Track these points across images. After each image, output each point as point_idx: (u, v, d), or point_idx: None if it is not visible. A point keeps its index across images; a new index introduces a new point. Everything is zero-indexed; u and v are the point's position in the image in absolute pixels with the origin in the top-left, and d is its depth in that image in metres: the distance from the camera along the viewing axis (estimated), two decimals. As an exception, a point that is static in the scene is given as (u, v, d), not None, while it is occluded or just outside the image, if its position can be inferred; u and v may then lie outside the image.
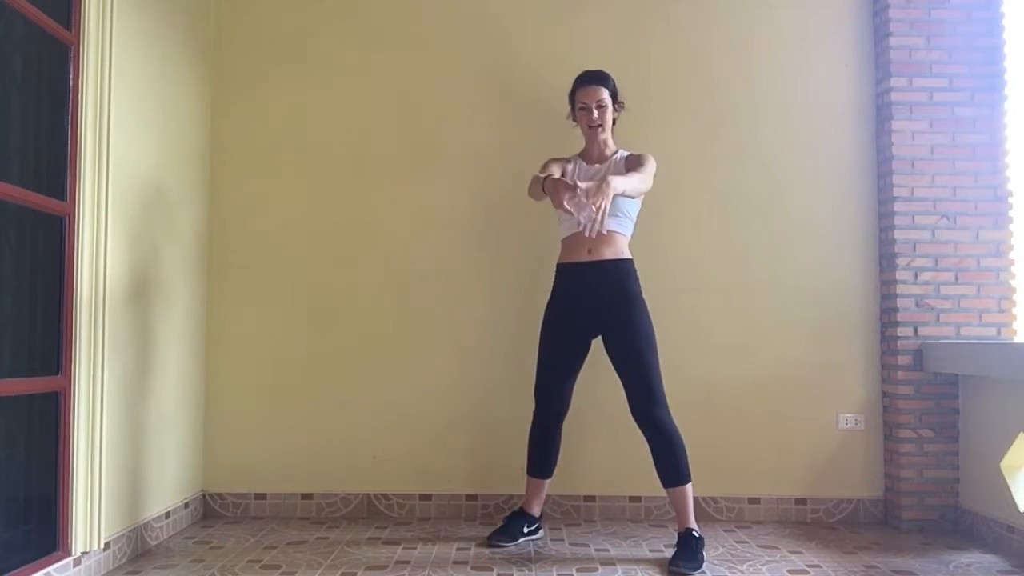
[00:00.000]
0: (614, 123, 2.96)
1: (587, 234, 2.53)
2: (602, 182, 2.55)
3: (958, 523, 3.07)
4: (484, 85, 3.35)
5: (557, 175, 2.83)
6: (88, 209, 2.34)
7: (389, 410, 3.27)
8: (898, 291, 3.15)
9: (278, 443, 3.25)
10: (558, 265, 2.89)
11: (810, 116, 3.32)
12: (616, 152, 2.90)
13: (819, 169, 3.31)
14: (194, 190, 3.18)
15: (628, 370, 2.74)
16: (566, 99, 2.98)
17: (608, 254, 2.76)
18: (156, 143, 2.84)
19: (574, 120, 2.96)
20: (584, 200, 2.49)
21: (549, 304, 2.89)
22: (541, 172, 2.86)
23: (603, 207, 2.51)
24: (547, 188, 2.66)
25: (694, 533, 2.66)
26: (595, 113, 2.85)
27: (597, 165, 2.89)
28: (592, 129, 2.87)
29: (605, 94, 2.85)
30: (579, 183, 2.55)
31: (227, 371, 3.28)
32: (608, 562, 2.64)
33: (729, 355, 3.26)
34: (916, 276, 3.15)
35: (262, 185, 3.32)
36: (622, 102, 2.94)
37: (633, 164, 2.81)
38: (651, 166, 2.80)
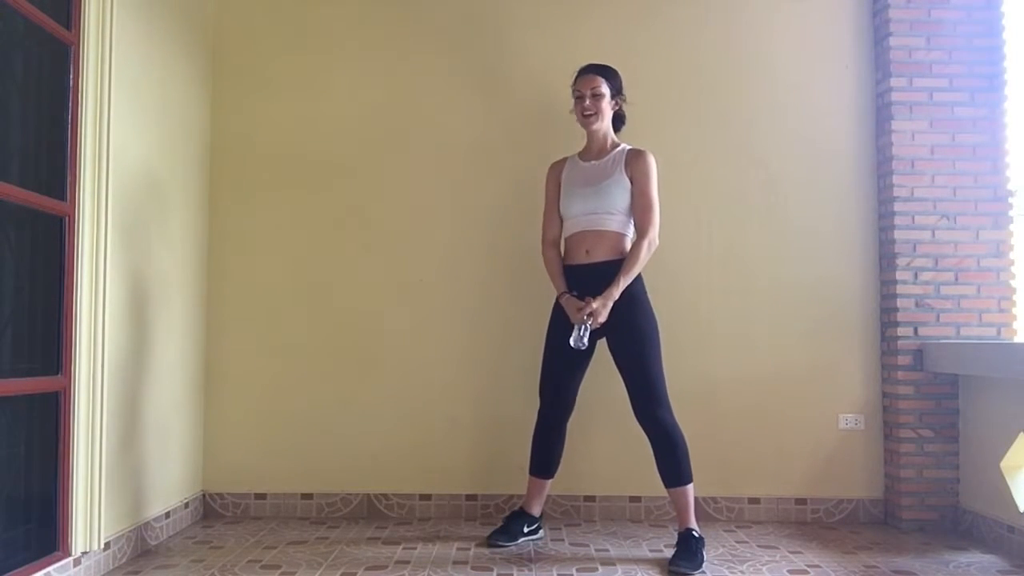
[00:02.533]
0: (623, 120, 2.95)
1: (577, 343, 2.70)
2: (608, 299, 2.68)
3: (958, 523, 3.07)
4: (487, 86, 3.35)
5: (555, 205, 2.91)
6: (88, 209, 2.33)
7: (389, 410, 3.27)
8: (898, 291, 3.15)
9: (278, 443, 3.26)
10: (563, 265, 2.89)
11: (810, 116, 3.32)
12: (618, 147, 2.88)
13: (819, 169, 3.31)
14: (194, 189, 3.18)
15: (630, 371, 2.74)
16: (566, 98, 2.96)
17: (605, 255, 2.76)
18: (156, 143, 2.84)
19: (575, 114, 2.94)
20: (584, 319, 2.69)
21: (555, 305, 2.88)
22: (545, 203, 2.93)
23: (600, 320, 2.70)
24: (562, 303, 2.83)
25: (694, 533, 2.66)
26: (588, 101, 2.83)
27: (594, 162, 2.87)
28: (585, 117, 2.85)
29: (601, 83, 2.82)
30: (589, 304, 2.70)
31: (227, 371, 3.28)
32: (608, 562, 2.63)
33: (729, 355, 3.26)
34: (916, 276, 3.15)
35: (262, 185, 3.32)
36: (624, 96, 2.91)
37: (635, 172, 2.78)
38: (653, 187, 2.78)
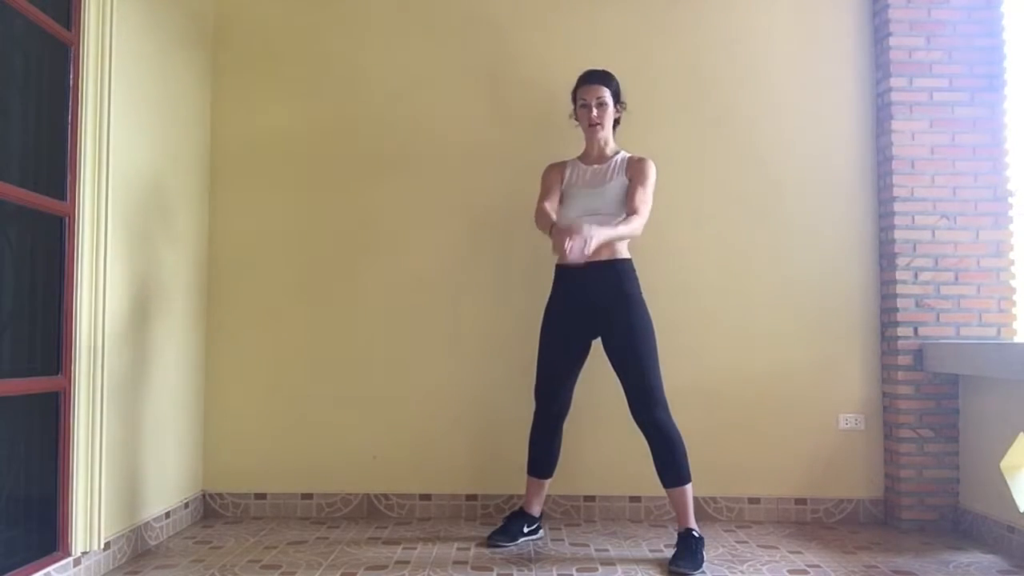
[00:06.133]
0: (618, 124, 2.97)
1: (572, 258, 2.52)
2: (598, 232, 2.55)
3: (958, 523, 3.07)
4: (485, 85, 3.35)
5: (555, 191, 2.89)
6: (88, 209, 2.34)
7: (389, 410, 3.27)
8: (898, 291, 3.15)
9: (278, 443, 3.26)
10: (557, 265, 2.89)
11: (810, 116, 3.32)
12: (617, 153, 2.90)
13: (819, 169, 3.31)
14: (194, 190, 3.18)
15: (626, 372, 2.73)
16: (567, 99, 2.98)
17: (603, 254, 2.75)
18: (156, 143, 2.84)
19: (576, 119, 2.96)
20: (577, 242, 2.51)
21: (548, 305, 2.89)
22: (542, 190, 2.91)
23: (586, 245, 2.51)
24: (552, 234, 2.66)
25: (694, 533, 2.66)
26: (595, 111, 2.85)
27: (596, 166, 2.89)
28: (592, 127, 2.88)
29: (606, 93, 2.86)
30: (580, 229, 2.54)
31: (227, 371, 3.28)
32: (608, 562, 2.64)
33: (729, 355, 3.26)
34: (916, 276, 3.15)
35: (262, 185, 3.32)
36: (624, 103, 2.94)
37: (634, 173, 2.80)
38: (649, 186, 2.79)
